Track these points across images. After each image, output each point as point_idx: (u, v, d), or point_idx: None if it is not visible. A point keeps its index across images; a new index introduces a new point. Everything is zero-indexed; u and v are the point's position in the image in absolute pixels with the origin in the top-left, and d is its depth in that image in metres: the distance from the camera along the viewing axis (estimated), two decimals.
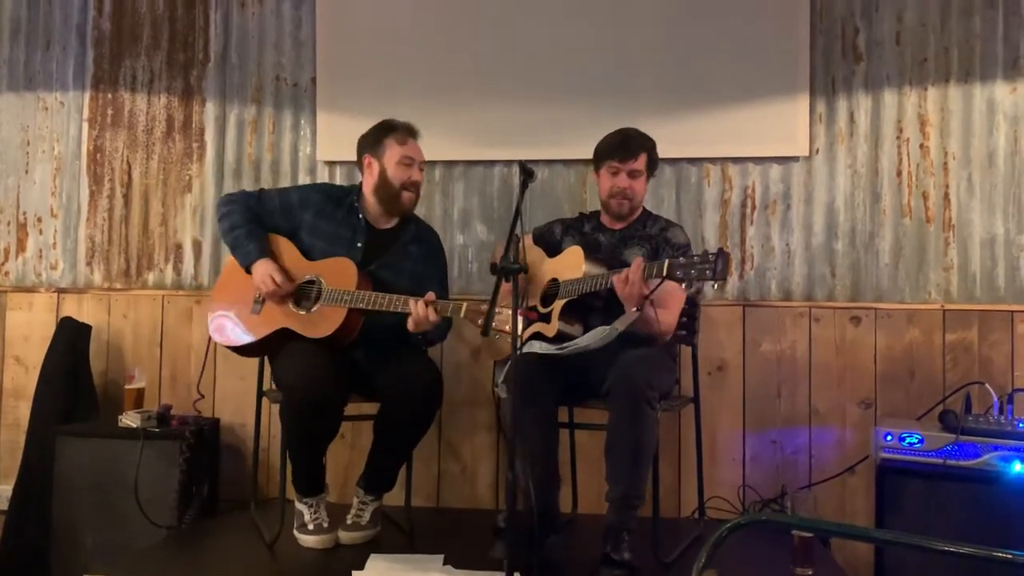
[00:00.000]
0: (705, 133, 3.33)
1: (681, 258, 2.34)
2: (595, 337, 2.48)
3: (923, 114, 3.27)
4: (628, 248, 2.78)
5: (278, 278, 2.70)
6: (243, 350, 2.83)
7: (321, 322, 2.66)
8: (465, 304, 2.56)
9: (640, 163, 2.75)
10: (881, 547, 2.68)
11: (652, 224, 2.83)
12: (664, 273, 2.33)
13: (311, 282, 2.75)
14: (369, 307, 2.63)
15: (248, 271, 2.76)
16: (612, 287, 2.48)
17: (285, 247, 2.83)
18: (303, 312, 2.71)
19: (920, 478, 2.63)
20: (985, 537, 2.15)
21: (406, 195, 2.81)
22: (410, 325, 2.59)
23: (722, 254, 2.25)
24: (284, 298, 2.74)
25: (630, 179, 2.74)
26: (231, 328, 2.82)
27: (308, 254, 2.81)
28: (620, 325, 2.45)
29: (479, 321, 2.42)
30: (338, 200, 2.87)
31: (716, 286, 2.40)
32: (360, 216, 2.85)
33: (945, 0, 3.26)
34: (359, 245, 2.81)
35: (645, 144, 2.77)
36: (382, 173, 2.81)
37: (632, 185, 2.75)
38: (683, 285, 2.35)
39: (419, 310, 2.56)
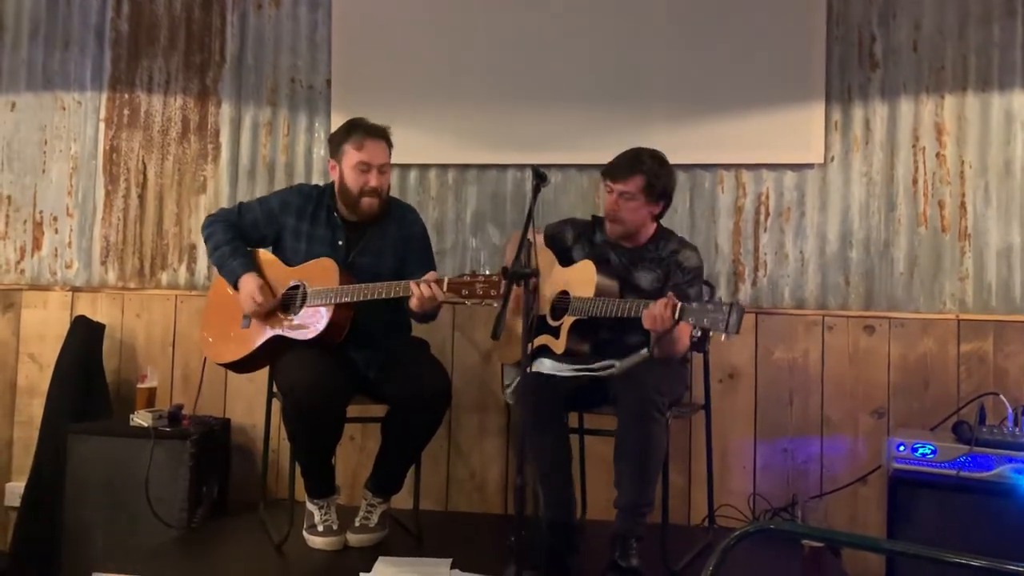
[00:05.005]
0: (719, 139, 3.31)
1: (695, 303, 2.35)
2: (602, 366, 2.56)
3: (940, 122, 3.24)
4: (638, 270, 2.73)
5: (259, 298, 2.70)
6: (239, 365, 2.82)
7: (309, 324, 2.66)
8: (446, 278, 2.48)
9: (631, 186, 2.62)
10: (892, 558, 2.67)
11: (664, 245, 2.74)
12: (677, 317, 2.35)
13: (296, 287, 2.74)
14: (356, 299, 2.59)
15: (236, 288, 2.77)
16: (623, 315, 2.48)
17: (268, 260, 2.83)
18: (291, 317, 2.71)
19: (933, 489, 2.61)
20: (998, 550, 2.12)
21: (365, 201, 2.74)
22: (414, 303, 2.52)
23: (736, 306, 2.23)
24: (271, 310, 2.74)
25: (620, 200, 2.65)
26: (224, 345, 2.82)
27: (293, 257, 2.80)
28: (628, 363, 2.52)
29: (463, 292, 2.41)
30: (316, 200, 2.85)
31: (726, 338, 2.31)
32: (335, 214, 2.82)
33: (963, 8, 3.24)
34: (340, 243, 2.79)
35: (640, 167, 2.62)
36: (341, 178, 2.77)
37: (622, 207, 2.65)
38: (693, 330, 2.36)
39: (423, 290, 2.48)
